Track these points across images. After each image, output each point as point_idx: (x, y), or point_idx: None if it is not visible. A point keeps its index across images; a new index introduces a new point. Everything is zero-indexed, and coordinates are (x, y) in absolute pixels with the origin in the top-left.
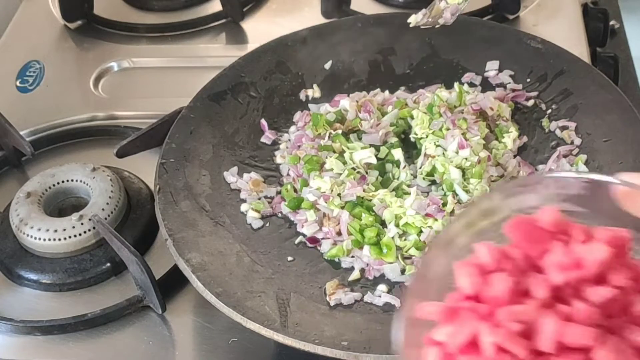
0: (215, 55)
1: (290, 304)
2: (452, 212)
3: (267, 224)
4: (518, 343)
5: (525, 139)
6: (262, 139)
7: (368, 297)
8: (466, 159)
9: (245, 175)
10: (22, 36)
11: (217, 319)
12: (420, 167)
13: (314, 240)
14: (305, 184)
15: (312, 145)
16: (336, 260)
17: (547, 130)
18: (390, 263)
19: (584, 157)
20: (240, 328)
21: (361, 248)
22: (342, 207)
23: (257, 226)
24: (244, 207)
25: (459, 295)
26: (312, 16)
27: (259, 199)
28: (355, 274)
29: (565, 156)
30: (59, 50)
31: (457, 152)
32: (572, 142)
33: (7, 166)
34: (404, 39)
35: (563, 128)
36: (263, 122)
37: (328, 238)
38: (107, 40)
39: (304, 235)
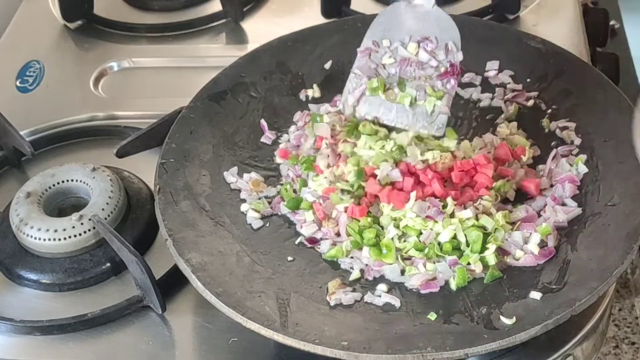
0: (215, 55)
1: (290, 304)
2: (452, 215)
3: (267, 224)
4: None
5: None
6: (262, 139)
7: (368, 297)
8: None
9: (245, 175)
10: (22, 36)
11: (217, 319)
12: None
13: (313, 241)
14: (304, 184)
15: (311, 145)
16: (335, 260)
17: (547, 130)
18: (390, 264)
19: (583, 157)
20: (240, 328)
21: (360, 249)
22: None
23: (257, 226)
24: (244, 207)
25: None
26: (312, 16)
27: (259, 199)
28: (355, 274)
29: (564, 156)
30: (59, 50)
31: None
32: (572, 142)
33: (7, 166)
34: None
35: (563, 128)
36: (263, 122)
37: (327, 239)
38: (107, 40)
39: (304, 236)
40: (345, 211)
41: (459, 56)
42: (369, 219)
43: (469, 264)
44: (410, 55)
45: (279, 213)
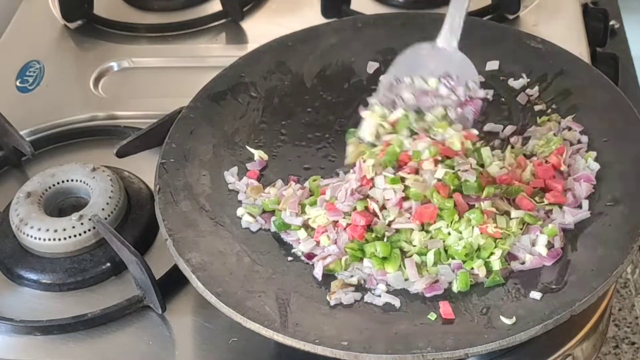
0: (215, 55)
1: (290, 304)
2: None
3: (267, 224)
4: None
5: None
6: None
7: (368, 297)
8: None
9: (245, 178)
10: (22, 36)
11: (217, 319)
12: None
13: (312, 256)
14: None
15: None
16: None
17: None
18: (393, 272)
19: (593, 153)
20: (240, 328)
21: (361, 261)
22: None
23: (255, 229)
24: (239, 212)
25: None
26: (312, 16)
27: (255, 201)
28: (354, 280)
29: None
30: (59, 50)
31: None
32: (578, 141)
33: (7, 166)
34: (404, 39)
35: (567, 128)
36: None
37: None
38: (107, 40)
39: (302, 252)
40: (345, 230)
41: (481, 93)
42: (373, 235)
43: (472, 268)
44: (429, 89)
45: (270, 229)
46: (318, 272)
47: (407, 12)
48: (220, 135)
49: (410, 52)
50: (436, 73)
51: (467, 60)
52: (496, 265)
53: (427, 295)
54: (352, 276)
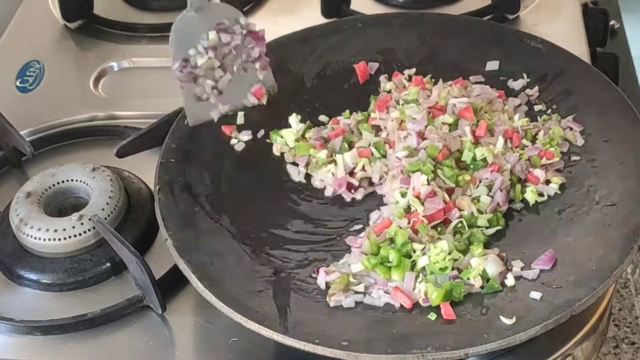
0: None
1: (290, 304)
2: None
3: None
4: None
5: None
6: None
7: (368, 299)
8: None
9: None
10: (22, 36)
11: (217, 319)
12: None
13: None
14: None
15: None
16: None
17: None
18: (398, 280)
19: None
20: (240, 328)
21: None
22: None
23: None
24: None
25: None
26: (312, 16)
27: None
28: (360, 287)
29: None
30: (59, 50)
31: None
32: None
33: (7, 166)
34: (404, 39)
35: (567, 128)
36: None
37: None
38: (107, 40)
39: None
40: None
41: (253, 26)
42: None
43: (469, 278)
44: (214, 43)
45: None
46: (321, 282)
47: (407, 12)
48: (221, 135)
49: (178, 29)
50: (210, 28)
51: (225, 5)
52: (492, 271)
53: (424, 305)
54: (359, 283)
